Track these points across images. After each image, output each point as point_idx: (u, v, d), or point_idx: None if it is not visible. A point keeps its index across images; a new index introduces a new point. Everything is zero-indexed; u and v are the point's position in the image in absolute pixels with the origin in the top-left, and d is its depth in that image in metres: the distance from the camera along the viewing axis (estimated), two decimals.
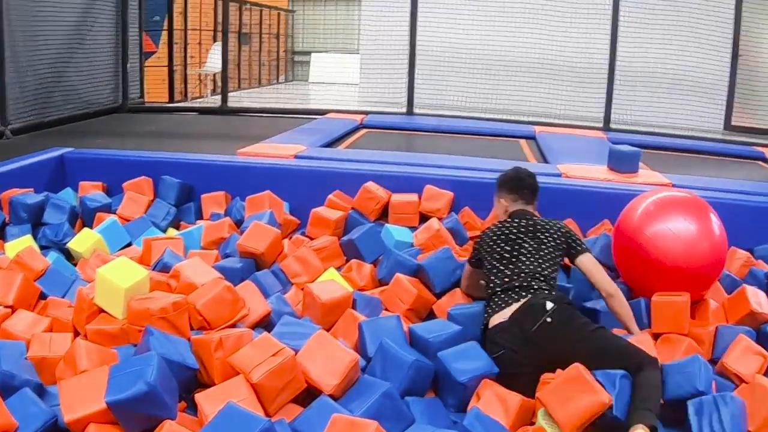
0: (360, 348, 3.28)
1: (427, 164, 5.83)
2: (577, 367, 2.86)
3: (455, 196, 5.21)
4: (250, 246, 4.29)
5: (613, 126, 9.48)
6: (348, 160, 5.89)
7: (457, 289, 4.02)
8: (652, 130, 9.34)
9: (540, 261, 3.51)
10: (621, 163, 5.90)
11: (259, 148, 6.31)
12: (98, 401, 2.54)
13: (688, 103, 10.55)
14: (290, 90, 16.36)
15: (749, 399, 2.91)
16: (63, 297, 3.83)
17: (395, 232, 4.78)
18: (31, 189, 5.15)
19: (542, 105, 10.75)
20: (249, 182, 5.38)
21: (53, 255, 4.44)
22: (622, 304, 3.55)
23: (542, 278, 3.44)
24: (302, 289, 3.80)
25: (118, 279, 3.23)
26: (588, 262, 3.63)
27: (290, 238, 4.86)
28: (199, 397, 2.73)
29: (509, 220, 3.76)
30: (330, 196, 5.20)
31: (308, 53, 19.52)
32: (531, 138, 8.52)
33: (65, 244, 4.65)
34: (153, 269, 3.94)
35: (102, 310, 3.28)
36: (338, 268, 4.33)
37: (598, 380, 2.86)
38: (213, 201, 5.36)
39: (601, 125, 9.50)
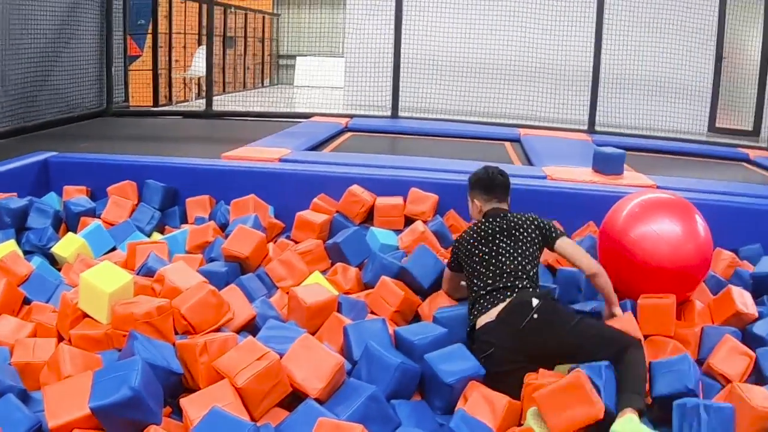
0: (345, 351, 3.28)
1: (412, 167, 5.83)
2: (580, 376, 2.85)
3: (440, 198, 5.21)
4: (234, 250, 4.27)
5: (597, 128, 9.54)
6: (333, 164, 5.89)
7: (441, 291, 4.01)
8: (637, 133, 9.40)
9: (519, 258, 3.52)
10: (606, 165, 5.92)
11: (244, 151, 6.29)
12: (82, 407, 2.52)
13: (672, 105, 10.63)
14: (275, 93, 16.33)
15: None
16: (47, 302, 3.79)
17: (380, 235, 4.78)
18: (15, 193, 5.11)
19: (527, 108, 10.80)
20: (234, 186, 5.37)
21: (37, 260, 4.40)
22: (607, 283, 3.57)
23: (524, 275, 3.46)
24: (287, 292, 3.78)
25: (102, 283, 3.21)
26: (567, 246, 3.64)
27: (275, 241, 4.84)
28: (184, 401, 2.71)
29: (484, 220, 3.76)
30: (315, 200, 5.19)
31: (293, 57, 19.52)
32: (516, 141, 8.56)
33: (49, 248, 4.62)
34: (137, 274, 3.92)
35: (86, 315, 3.26)
36: (323, 272, 4.32)
37: (595, 385, 2.87)
38: (197, 205, 5.34)
39: (585, 127, 9.56)
